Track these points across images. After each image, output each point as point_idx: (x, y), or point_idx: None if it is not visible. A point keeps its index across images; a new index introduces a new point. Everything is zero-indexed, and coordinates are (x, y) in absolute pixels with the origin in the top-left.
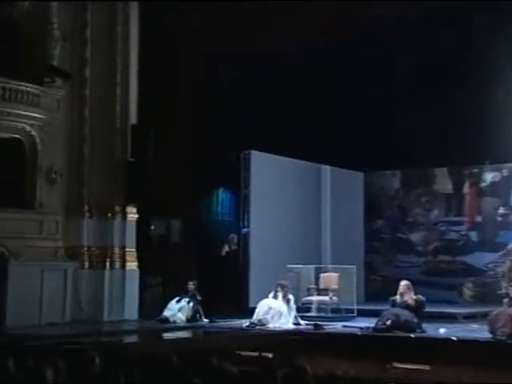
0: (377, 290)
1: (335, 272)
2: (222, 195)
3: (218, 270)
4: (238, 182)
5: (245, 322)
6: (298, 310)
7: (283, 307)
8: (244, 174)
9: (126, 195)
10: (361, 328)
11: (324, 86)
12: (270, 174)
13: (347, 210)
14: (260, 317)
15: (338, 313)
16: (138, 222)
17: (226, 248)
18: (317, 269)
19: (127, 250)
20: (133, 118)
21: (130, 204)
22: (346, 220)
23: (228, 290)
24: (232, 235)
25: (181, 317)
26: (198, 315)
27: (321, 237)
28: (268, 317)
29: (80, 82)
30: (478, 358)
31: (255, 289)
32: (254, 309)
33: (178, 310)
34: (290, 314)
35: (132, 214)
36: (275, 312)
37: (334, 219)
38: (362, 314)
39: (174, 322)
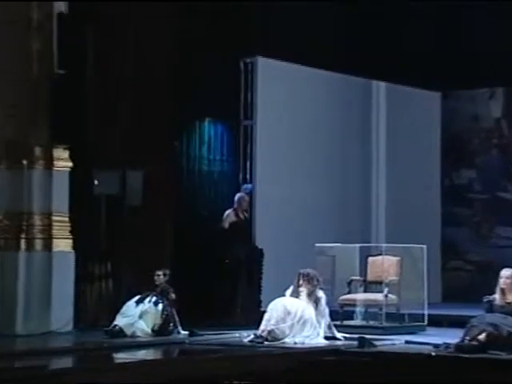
0: (461, 283)
1: (393, 255)
2: (210, 131)
3: (207, 253)
4: (235, 110)
5: (247, 336)
6: (333, 315)
7: (309, 311)
8: (245, 96)
9: (51, 130)
10: (436, 346)
11: None
12: (285, 95)
13: (413, 154)
14: (271, 326)
15: (397, 320)
16: (73, 174)
17: (232, 216)
18: (363, 249)
19: (55, 219)
20: (60, 4)
21: (59, 145)
22: (410, 170)
23: (224, 283)
24: (240, 195)
25: (143, 327)
26: (170, 324)
27: (369, 196)
28: (284, 326)
29: None
30: None
31: (264, 284)
32: (262, 314)
33: (138, 316)
34: (319, 321)
35: (62, 162)
36: (296, 319)
37: (391, 168)
38: (437, 322)
39: (133, 335)
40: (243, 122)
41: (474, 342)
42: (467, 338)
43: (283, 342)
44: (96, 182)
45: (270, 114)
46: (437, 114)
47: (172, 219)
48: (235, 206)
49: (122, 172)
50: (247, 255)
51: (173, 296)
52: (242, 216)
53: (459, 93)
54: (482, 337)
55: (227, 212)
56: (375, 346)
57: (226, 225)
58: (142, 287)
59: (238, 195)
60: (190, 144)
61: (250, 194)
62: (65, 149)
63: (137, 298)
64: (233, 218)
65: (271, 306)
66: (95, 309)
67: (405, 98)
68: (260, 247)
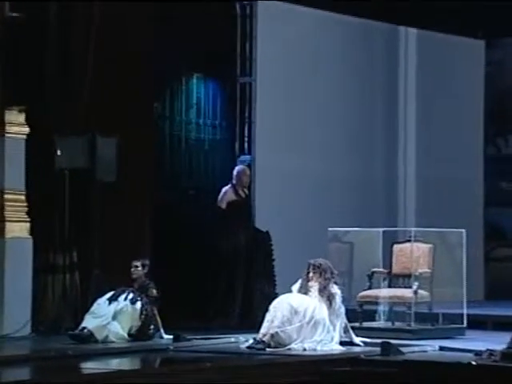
0: (509, 277)
1: (425, 242)
2: (199, 90)
3: (196, 240)
4: (230, 63)
5: (245, 341)
6: (350, 315)
7: (320, 310)
8: (242, 46)
9: (2, 88)
10: (477, 353)
11: None
12: (291, 46)
13: (449, 117)
14: (274, 329)
15: (429, 322)
16: (30, 142)
17: (230, 194)
18: (388, 235)
19: (8, 198)
20: None
21: (12, 106)
22: (445, 137)
23: (218, 277)
24: (240, 168)
25: (117, 330)
26: (151, 327)
27: (395, 170)
28: (291, 329)
29: None
30: None
31: None
32: (263, 315)
33: (112, 316)
34: (333, 323)
35: (16, 127)
36: (305, 320)
37: (422, 136)
38: (479, 324)
39: (105, 340)
40: (240, 79)
41: None
42: None
43: (289, 349)
44: (58, 153)
45: (273, 69)
46: (479, 68)
47: (152, 198)
48: (234, 181)
49: (91, 140)
50: (250, 241)
51: (154, 292)
52: (242, 194)
53: (507, 41)
54: None
55: (225, 189)
56: (402, 353)
57: (224, 205)
58: (116, 281)
59: (237, 168)
60: (174, 106)
61: (249, 166)
62: (20, 111)
63: (110, 294)
64: (232, 197)
65: (275, 304)
66: (58, 308)
67: (440, 48)
68: (266, 230)
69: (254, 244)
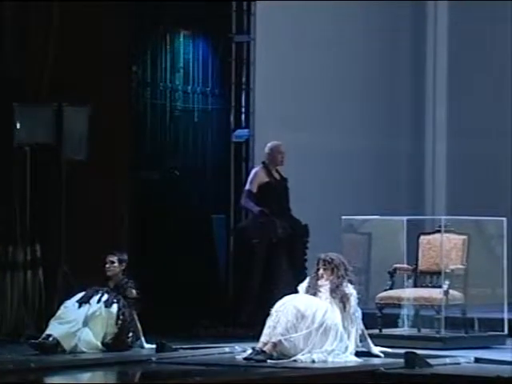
0: None
1: (458, 232)
2: (187, 50)
3: (185, 230)
4: (224, 19)
5: (242, 350)
6: (368, 320)
7: (332, 314)
8: None
9: None
10: None
11: None
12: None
13: (484, 87)
14: (278, 337)
15: (463, 328)
16: None
17: (262, 176)
18: (413, 224)
19: None
20: None
21: None
22: (480, 110)
23: (213, 276)
24: (274, 144)
25: (89, 338)
26: (129, 334)
27: (422, 148)
28: (297, 337)
29: None
30: None
31: None
32: (264, 319)
33: (82, 322)
34: (347, 329)
35: None
36: (314, 326)
37: (453, 109)
38: None
39: (74, 349)
40: (235, 38)
41: None
42: None
43: (295, 360)
44: (18, 125)
45: (276, 26)
46: None
47: (131, 180)
48: (266, 160)
49: (57, 110)
50: (285, 234)
51: (133, 293)
52: (276, 175)
53: None
54: None
55: (255, 170)
56: (431, 365)
57: (255, 188)
58: (88, 280)
59: (269, 145)
60: (156, 70)
61: (246, 143)
62: None
63: (80, 295)
64: (264, 179)
65: (278, 307)
66: (17, 312)
67: (474, 8)
68: (304, 223)
69: (289, 238)
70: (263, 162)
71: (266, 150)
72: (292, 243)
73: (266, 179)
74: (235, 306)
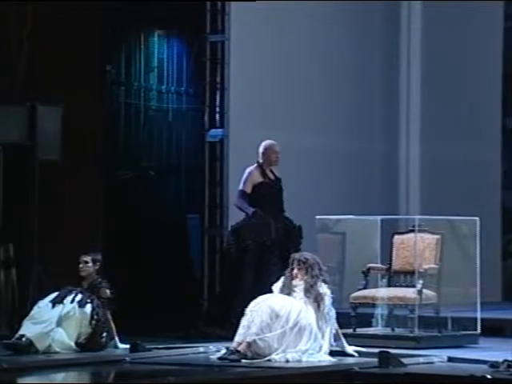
0: None
1: (431, 232)
2: (162, 50)
3: (163, 229)
4: (198, 18)
5: (216, 350)
6: (342, 320)
7: (306, 314)
8: None
9: None
10: (493, 365)
11: None
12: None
13: (461, 86)
14: (252, 336)
15: (436, 328)
16: None
17: (256, 176)
18: (387, 224)
19: None
20: None
21: None
22: (455, 109)
23: (185, 275)
24: (269, 143)
25: (63, 338)
26: (103, 334)
27: (396, 148)
28: (271, 337)
29: None
30: None
31: None
32: (232, 318)
33: (56, 322)
34: (322, 329)
35: None
36: (288, 325)
37: (428, 108)
38: (495, 330)
39: (48, 350)
40: (210, 37)
41: None
42: None
43: (269, 360)
44: None
45: (251, 26)
46: (497, 27)
47: (105, 180)
48: (260, 159)
49: (30, 110)
50: (279, 236)
51: (107, 293)
52: (271, 175)
53: None
54: None
55: (249, 169)
56: (404, 365)
57: (248, 189)
58: (62, 280)
59: (264, 144)
60: (130, 69)
61: (221, 142)
62: None
63: (53, 295)
64: (258, 179)
65: (252, 306)
66: None
67: (446, 11)
68: (298, 223)
69: (283, 239)
70: (257, 162)
71: (261, 149)
72: (285, 245)
73: (260, 179)
74: (226, 307)
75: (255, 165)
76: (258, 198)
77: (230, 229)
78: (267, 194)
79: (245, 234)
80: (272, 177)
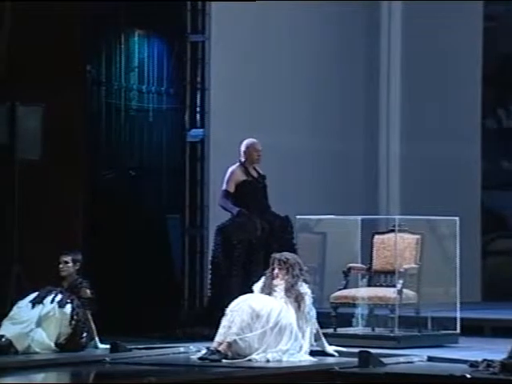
0: (510, 274)
1: (411, 232)
2: (142, 50)
3: (141, 230)
4: (179, 18)
5: (197, 350)
6: (322, 319)
7: (287, 314)
8: None
9: None
10: (473, 364)
11: None
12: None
13: (440, 86)
14: (232, 336)
15: (416, 327)
16: None
17: (239, 174)
18: (367, 224)
19: None
20: None
21: None
22: (435, 109)
23: (166, 275)
24: (250, 141)
25: (43, 339)
26: (83, 335)
27: (376, 148)
28: (252, 337)
29: None
30: None
31: None
32: (219, 318)
33: (36, 322)
34: (302, 329)
35: None
36: (268, 325)
37: (408, 108)
38: (475, 329)
39: (27, 350)
40: (191, 37)
41: None
42: None
43: (250, 360)
44: None
45: (231, 26)
46: (477, 27)
47: (85, 180)
48: (242, 158)
49: (10, 109)
50: (263, 232)
51: (87, 293)
52: (254, 173)
53: None
54: None
55: (231, 168)
56: (384, 364)
57: (232, 188)
58: (41, 280)
59: (245, 142)
60: (110, 69)
61: (201, 142)
62: None
63: (33, 296)
64: (240, 177)
65: (232, 306)
66: None
67: (426, 11)
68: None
69: (269, 237)
70: (240, 161)
71: (242, 147)
72: (271, 242)
73: (243, 178)
74: (212, 307)
75: (237, 164)
76: (242, 196)
77: (215, 229)
78: (251, 193)
79: (231, 234)
80: (255, 174)
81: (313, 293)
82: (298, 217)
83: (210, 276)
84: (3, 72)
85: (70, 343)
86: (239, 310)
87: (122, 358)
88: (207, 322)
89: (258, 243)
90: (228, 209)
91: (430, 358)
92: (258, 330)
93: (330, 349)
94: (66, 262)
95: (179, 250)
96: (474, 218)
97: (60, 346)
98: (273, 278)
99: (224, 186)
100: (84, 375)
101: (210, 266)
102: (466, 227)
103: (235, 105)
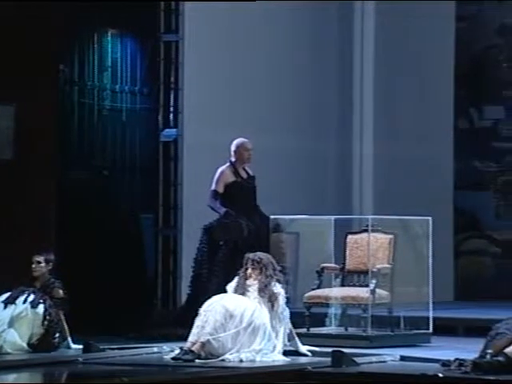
0: (482, 273)
1: (384, 232)
2: (115, 49)
3: (113, 230)
4: (152, 18)
5: (170, 350)
6: (296, 319)
7: (260, 314)
8: None
9: None
10: (445, 363)
11: None
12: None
13: (413, 87)
14: (206, 336)
15: (389, 327)
16: None
17: (228, 175)
18: (340, 223)
19: None
20: None
21: None
22: (408, 110)
23: (139, 274)
24: (241, 141)
25: (15, 339)
26: (56, 335)
27: (349, 149)
28: (225, 337)
29: None
30: None
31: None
32: (193, 318)
33: (8, 323)
34: (275, 329)
35: None
36: (242, 325)
37: (381, 109)
38: (447, 329)
39: None
40: (164, 37)
41: (500, 358)
42: (490, 351)
43: (223, 360)
44: None
45: (205, 26)
46: (449, 28)
47: (58, 180)
48: (232, 158)
49: None
50: (251, 233)
51: (60, 293)
52: (243, 173)
53: None
54: (510, 350)
55: (221, 169)
56: (357, 364)
57: (221, 188)
58: (14, 280)
59: (235, 142)
60: (83, 69)
61: (175, 142)
62: None
63: (5, 296)
64: (230, 178)
65: (206, 307)
66: None
67: (399, 11)
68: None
69: (253, 237)
70: (230, 161)
71: (232, 147)
72: (256, 244)
73: (233, 178)
74: (190, 305)
75: (227, 164)
76: (231, 197)
77: (202, 228)
78: (240, 193)
79: (217, 234)
80: (245, 175)
81: (286, 293)
82: (272, 217)
83: (191, 274)
84: None
85: (42, 343)
86: (213, 310)
87: (95, 359)
88: (181, 322)
89: (243, 244)
90: (216, 209)
91: (403, 358)
92: (232, 329)
93: (304, 349)
94: (39, 262)
95: (152, 249)
96: (446, 218)
97: (32, 347)
98: (246, 278)
99: (213, 186)
100: (56, 376)
101: (192, 265)
102: (439, 227)
103: (209, 104)
